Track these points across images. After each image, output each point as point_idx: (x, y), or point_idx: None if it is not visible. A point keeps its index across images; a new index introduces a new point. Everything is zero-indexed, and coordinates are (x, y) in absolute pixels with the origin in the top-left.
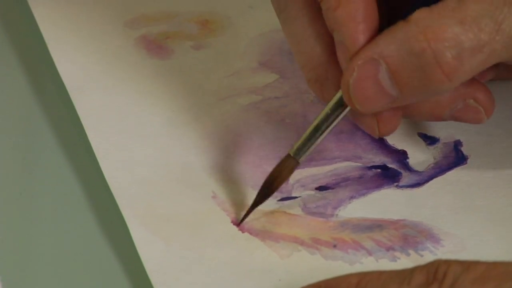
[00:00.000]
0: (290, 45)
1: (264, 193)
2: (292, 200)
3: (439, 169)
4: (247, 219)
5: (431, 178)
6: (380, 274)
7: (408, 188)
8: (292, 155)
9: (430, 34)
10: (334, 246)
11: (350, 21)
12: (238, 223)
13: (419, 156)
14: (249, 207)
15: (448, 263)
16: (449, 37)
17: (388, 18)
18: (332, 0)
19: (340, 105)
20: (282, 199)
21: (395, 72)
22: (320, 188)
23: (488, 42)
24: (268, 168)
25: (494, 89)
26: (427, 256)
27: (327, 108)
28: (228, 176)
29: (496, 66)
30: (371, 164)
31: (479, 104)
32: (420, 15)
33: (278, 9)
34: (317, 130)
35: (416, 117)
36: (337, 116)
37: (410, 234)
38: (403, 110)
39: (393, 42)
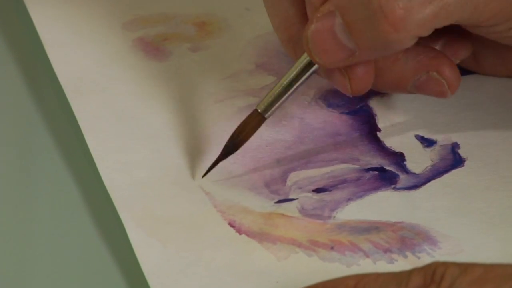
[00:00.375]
0: (265, 8)
1: (230, 148)
2: (289, 202)
3: (437, 172)
4: (245, 222)
5: (428, 180)
6: (377, 276)
7: (406, 190)
8: (259, 111)
9: None
10: (332, 248)
11: None
12: (202, 176)
13: (417, 159)
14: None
15: (445, 265)
16: None
17: None
18: None
19: (309, 63)
20: (279, 201)
21: (348, 23)
22: (318, 190)
23: None
24: (266, 170)
25: (492, 90)
26: (425, 258)
27: (296, 66)
28: (225, 178)
29: (469, 45)
30: (369, 166)
31: (442, 78)
32: None
33: None
34: (286, 88)
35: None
36: (306, 73)
37: (407, 236)
38: None
39: None
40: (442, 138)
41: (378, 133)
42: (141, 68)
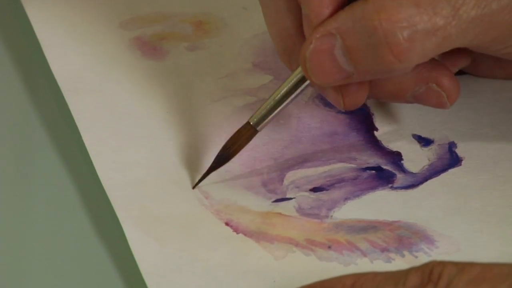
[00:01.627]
0: (264, 17)
1: (221, 159)
2: (286, 202)
3: (434, 171)
4: (242, 221)
5: (425, 179)
6: (375, 275)
7: (403, 190)
8: (252, 123)
9: (383, 14)
10: (329, 247)
11: None
12: (193, 187)
13: (414, 158)
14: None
15: (442, 264)
16: (402, 18)
17: None
18: None
19: (303, 77)
20: (277, 201)
21: (349, 48)
22: (315, 190)
23: (443, 26)
24: (263, 169)
25: (489, 90)
26: (422, 258)
27: (290, 80)
28: (222, 178)
29: (468, 54)
30: (366, 165)
31: (442, 89)
32: None
33: None
34: (279, 101)
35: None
36: (300, 88)
37: (404, 236)
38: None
39: (350, 19)
40: (439, 138)
41: (375, 132)
42: (138, 67)
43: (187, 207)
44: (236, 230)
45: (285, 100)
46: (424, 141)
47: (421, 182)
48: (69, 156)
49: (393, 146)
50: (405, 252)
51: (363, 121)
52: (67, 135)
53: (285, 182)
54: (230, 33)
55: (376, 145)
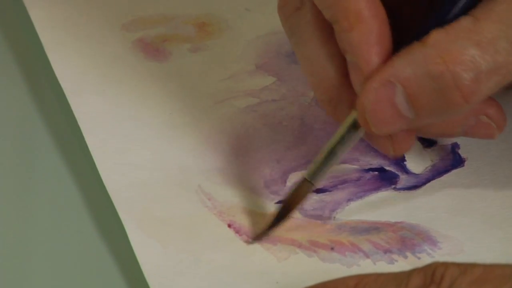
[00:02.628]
0: (302, 67)
1: (281, 216)
2: None
3: (437, 172)
4: (245, 223)
5: (428, 180)
6: (377, 276)
7: (406, 191)
8: (307, 178)
9: (448, 57)
10: (332, 248)
11: (364, 43)
12: (251, 241)
13: (417, 159)
14: (264, 230)
15: (445, 265)
16: (467, 60)
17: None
18: (345, 22)
19: (354, 126)
20: (280, 202)
21: (412, 95)
22: (318, 191)
23: (504, 64)
24: (266, 170)
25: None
26: (425, 259)
27: (341, 130)
28: (225, 179)
29: None
30: (369, 166)
31: (491, 120)
32: (437, 37)
33: (289, 32)
34: (332, 153)
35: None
36: (351, 138)
37: (407, 237)
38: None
39: (409, 65)
40: (442, 139)
41: None
42: (141, 69)
43: (190, 209)
44: (239, 232)
45: (337, 152)
46: (427, 142)
47: (424, 183)
48: (72, 157)
49: None
50: (408, 253)
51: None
52: (70, 136)
53: (288, 183)
54: (233, 34)
55: None
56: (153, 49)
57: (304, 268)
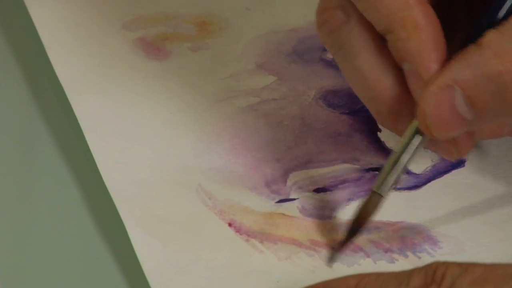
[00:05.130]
0: (351, 81)
1: (353, 231)
2: (290, 202)
3: (437, 172)
4: (245, 222)
5: (429, 180)
6: (378, 275)
7: (406, 191)
8: (376, 190)
9: (505, 57)
10: (332, 248)
11: (422, 50)
12: (328, 262)
13: (417, 159)
14: (338, 245)
15: (446, 265)
16: None
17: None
18: (403, 32)
19: (416, 134)
20: (280, 201)
21: (471, 97)
22: (318, 190)
23: None
24: (267, 170)
25: None
26: (425, 258)
27: (404, 140)
28: (226, 178)
29: None
30: (369, 166)
31: None
32: (491, 38)
33: (335, 47)
34: (396, 163)
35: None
36: (415, 146)
37: (408, 236)
38: None
39: (467, 67)
40: None
41: (378, 133)
42: (141, 68)
43: (190, 208)
44: (240, 231)
45: (402, 162)
46: None
47: (425, 183)
48: (72, 156)
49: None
50: (409, 253)
51: (366, 122)
52: (71, 135)
53: (289, 182)
54: (233, 33)
55: (379, 146)
56: (154, 48)
57: (304, 267)
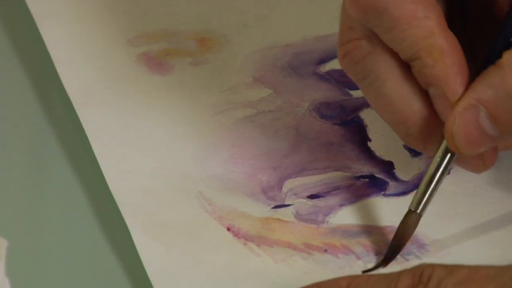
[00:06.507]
0: (377, 107)
1: (394, 250)
2: (285, 208)
3: None
4: (243, 226)
5: (416, 187)
6: (368, 277)
7: (395, 197)
8: (413, 209)
9: None
10: (325, 251)
11: (448, 75)
12: (365, 272)
13: (405, 167)
14: (377, 263)
15: (432, 267)
16: None
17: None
18: (428, 58)
19: (446, 153)
20: (276, 207)
21: (494, 114)
22: (312, 197)
23: None
24: (263, 177)
25: None
26: (413, 260)
27: (436, 160)
28: (224, 185)
29: None
30: (360, 174)
31: None
32: (510, 58)
33: (360, 76)
34: (431, 182)
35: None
36: (446, 165)
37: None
38: None
39: (489, 87)
40: None
41: (368, 143)
42: (145, 81)
43: (191, 213)
44: (238, 235)
45: (436, 181)
46: (415, 151)
47: (412, 190)
48: (79, 165)
49: (386, 156)
50: (397, 255)
51: (357, 132)
52: (78, 145)
53: (284, 189)
54: (232, 49)
55: (369, 155)
56: (157, 63)
57: (299, 269)
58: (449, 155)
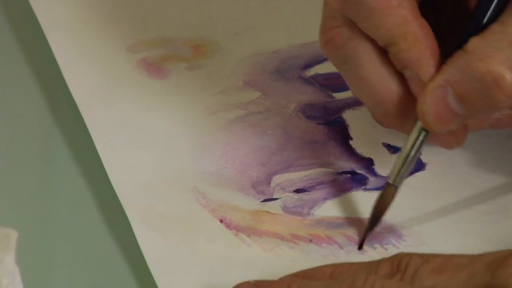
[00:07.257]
0: (358, 90)
1: (374, 219)
2: (273, 201)
3: None
4: (234, 218)
5: None
6: (350, 265)
7: (374, 191)
8: (391, 182)
9: (487, 60)
10: (310, 241)
11: (422, 59)
12: (358, 248)
13: (384, 163)
14: (362, 233)
15: (409, 255)
16: (505, 60)
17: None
18: (403, 44)
19: (420, 131)
20: (265, 200)
21: (460, 94)
22: (298, 191)
23: None
24: (253, 173)
25: None
26: (391, 250)
27: (412, 137)
28: (217, 181)
29: None
30: (342, 170)
31: None
32: (475, 44)
33: (340, 61)
34: (406, 157)
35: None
36: (420, 141)
37: (376, 230)
38: None
39: (456, 70)
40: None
41: (350, 141)
42: (144, 85)
43: (187, 206)
44: (229, 226)
45: (411, 155)
46: (393, 149)
47: None
48: (84, 161)
49: (366, 153)
50: (377, 245)
51: (339, 131)
52: (83, 143)
53: (272, 184)
54: (224, 55)
55: (351, 152)
56: (155, 68)
57: (286, 258)
58: (423, 132)
